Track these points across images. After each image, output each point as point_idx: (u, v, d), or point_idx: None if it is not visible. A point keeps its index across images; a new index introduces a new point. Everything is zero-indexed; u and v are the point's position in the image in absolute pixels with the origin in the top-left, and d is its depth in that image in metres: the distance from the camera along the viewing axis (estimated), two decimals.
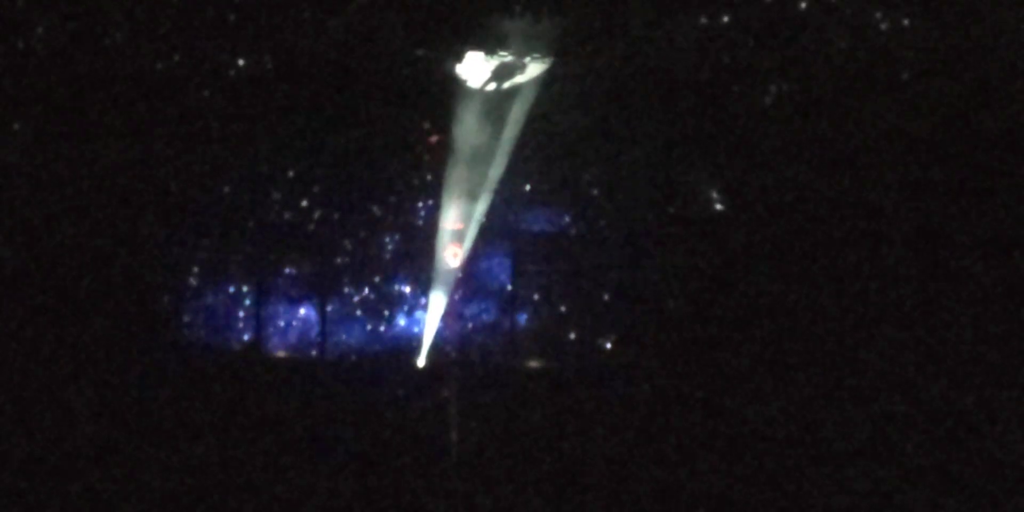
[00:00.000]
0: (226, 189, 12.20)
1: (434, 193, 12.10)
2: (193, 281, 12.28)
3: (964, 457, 10.88)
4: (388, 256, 12.38)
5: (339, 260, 12.38)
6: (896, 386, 11.31)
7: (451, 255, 12.03)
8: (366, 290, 12.35)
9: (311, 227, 12.32)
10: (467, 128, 11.88)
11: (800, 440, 11.30)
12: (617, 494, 11.11)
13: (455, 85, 11.84)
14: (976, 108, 11.55)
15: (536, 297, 12.36)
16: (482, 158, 11.88)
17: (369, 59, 11.84)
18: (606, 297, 12.23)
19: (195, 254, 12.23)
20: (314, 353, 12.33)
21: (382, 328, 12.32)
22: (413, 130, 12.16)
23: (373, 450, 11.42)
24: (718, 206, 12.07)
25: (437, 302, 12.01)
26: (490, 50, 11.74)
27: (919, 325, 11.41)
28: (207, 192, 12.15)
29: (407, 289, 12.34)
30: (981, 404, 11.05)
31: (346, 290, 12.35)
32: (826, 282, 11.69)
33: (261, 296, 12.34)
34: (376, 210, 12.34)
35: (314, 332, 12.35)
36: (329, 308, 12.33)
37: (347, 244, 12.36)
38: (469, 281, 12.23)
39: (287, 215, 12.30)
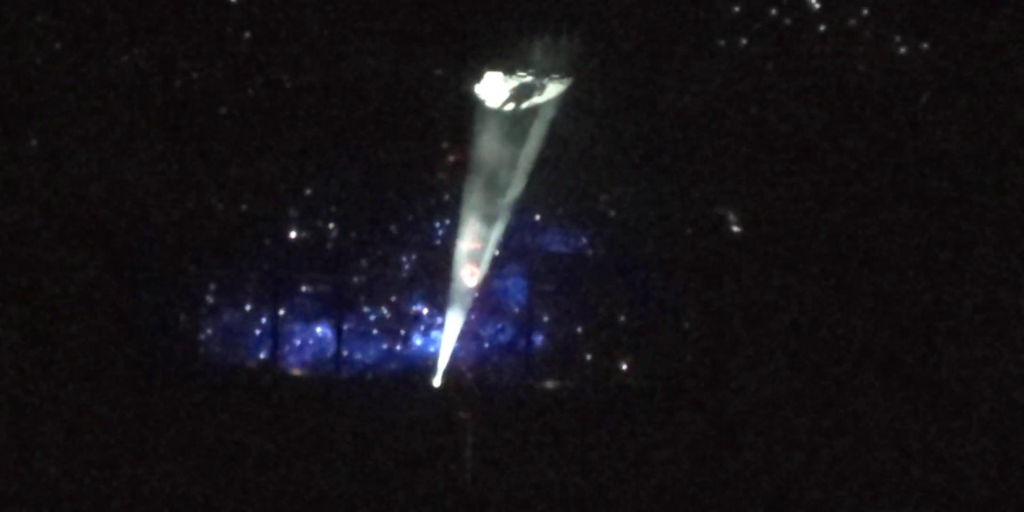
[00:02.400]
0: (244, 207, 12.21)
1: (452, 212, 12.11)
2: (210, 299, 12.31)
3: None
4: (405, 275, 12.40)
5: (356, 278, 12.41)
6: (920, 408, 11.33)
7: (468, 274, 12.03)
8: (383, 309, 12.37)
9: (328, 245, 12.34)
10: (485, 148, 11.89)
11: (816, 461, 11.29)
12: None
13: (474, 105, 11.86)
14: (995, 131, 11.58)
15: (552, 317, 12.38)
16: (500, 178, 11.90)
17: (388, 78, 11.88)
18: (622, 318, 12.25)
19: (212, 271, 12.25)
20: (330, 371, 12.32)
21: (398, 347, 12.34)
22: (431, 149, 12.18)
23: (388, 469, 11.41)
24: (735, 228, 12.08)
25: (453, 321, 12.00)
26: (509, 70, 11.77)
27: (941, 347, 11.44)
28: (224, 209, 12.17)
29: (424, 308, 12.36)
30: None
31: (363, 309, 12.38)
32: (843, 305, 11.70)
33: (278, 314, 12.35)
34: (393, 229, 12.37)
35: (330, 350, 12.36)
36: (346, 326, 12.35)
37: (364, 262, 12.39)
38: (486, 301, 12.22)
39: (304, 233, 12.32)
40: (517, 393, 12.09)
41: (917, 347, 11.57)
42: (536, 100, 11.84)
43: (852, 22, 11.65)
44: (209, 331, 12.31)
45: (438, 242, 12.30)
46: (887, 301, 11.71)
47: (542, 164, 11.84)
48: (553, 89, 11.83)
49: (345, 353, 12.37)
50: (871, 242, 11.73)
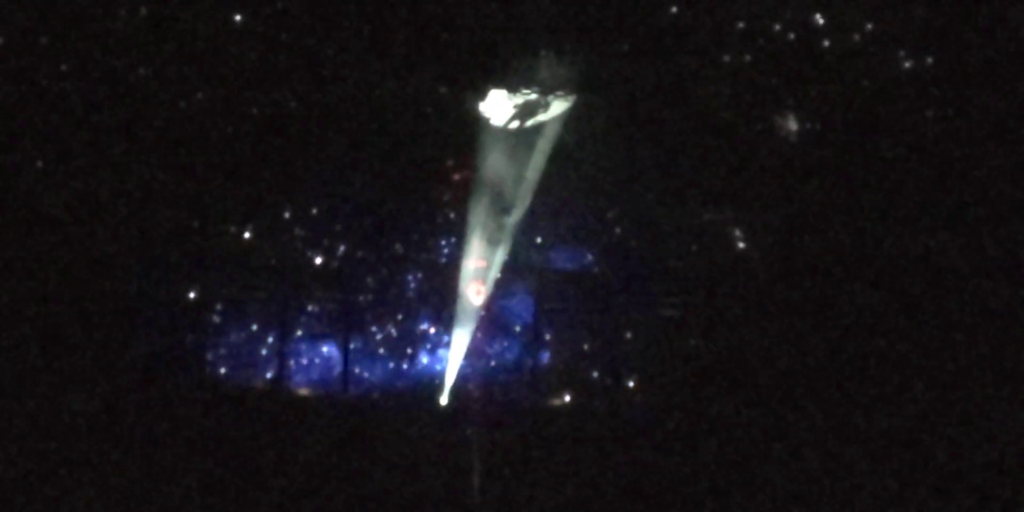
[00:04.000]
0: (249, 227, 12.23)
1: (457, 231, 12.13)
2: (217, 319, 12.32)
3: None
4: (411, 294, 12.41)
5: (362, 298, 12.43)
6: (917, 427, 11.30)
7: (474, 293, 12.04)
8: (389, 328, 12.37)
9: (334, 265, 12.36)
10: (490, 166, 11.91)
11: (820, 477, 11.26)
12: None
13: (478, 123, 11.89)
14: (1000, 145, 11.57)
15: (558, 335, 12.37)
16: (505, 196, 11.92)
17: (393, 97, 11.91)
18: (628, 335, 12.24)
19: (219, 292, 12.27)
20: (338, 390, 12.33)
21: (405, 366, 12.34)
22: (437, 168, 12.20)
23: (396, 487, 11.39)
24: (740, 245, 12.07)
25: (460, 340, 12.02)
26: (513, 88, 11.79)
27: (947, 370, 11.42)
28: (230, 229, 12.20)
29: (430, 327, 12.37)
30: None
31: (370, 328, 12.39)
32: (848, 321, 11.68)
33: (284, 334, 12.37)
34: (399, 248, 12.39)
35: (337, 369, 12.37)
36: (352, 346, 12.36)
37: (370, 282, 12.41)
38: (492, 319, 12.22)
39: (310, 253, 12.33)
40: (524, 411, 12.07)
41: (924, 363, 11.55)
42: (541, 118, 11.87)
43: (856, 37, 11.65)
44: (215, 352, 12.31)
45: (444, 261, 12.32)
46: (894, 316, 11.69)
47: (547, 182, 11.86)
48: (557, 107, 11.87)
49: (353, 372, 12.37)
50: (876, 257, 11.71)
